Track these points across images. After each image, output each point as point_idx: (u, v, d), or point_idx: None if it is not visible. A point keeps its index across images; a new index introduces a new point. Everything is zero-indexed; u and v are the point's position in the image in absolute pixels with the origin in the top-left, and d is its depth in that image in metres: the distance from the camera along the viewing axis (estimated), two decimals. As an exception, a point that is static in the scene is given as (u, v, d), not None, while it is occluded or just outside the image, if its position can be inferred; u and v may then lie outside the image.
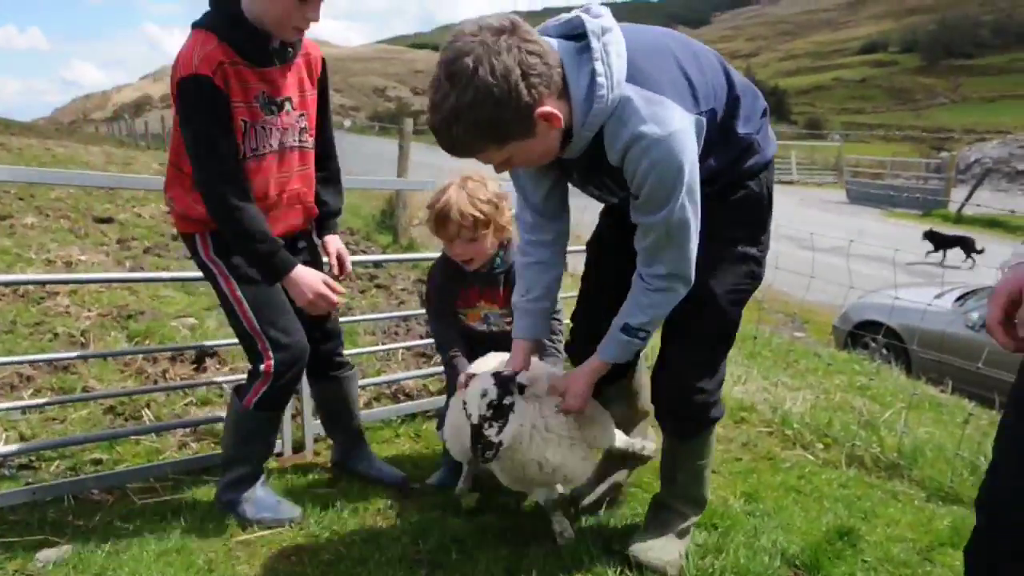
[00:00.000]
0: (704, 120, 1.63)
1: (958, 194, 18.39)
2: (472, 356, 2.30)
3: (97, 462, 2.52)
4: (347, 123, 58.53)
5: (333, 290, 2.09)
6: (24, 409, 2.79)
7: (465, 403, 1.82)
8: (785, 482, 2.60)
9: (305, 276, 2.05)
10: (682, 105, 1.57)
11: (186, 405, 3.12)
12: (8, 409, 2.55)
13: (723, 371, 1.96)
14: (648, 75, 1.57)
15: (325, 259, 2.37)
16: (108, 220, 8.17)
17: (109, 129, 45.52)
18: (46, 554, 1.92)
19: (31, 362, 3.11)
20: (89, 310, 4.57)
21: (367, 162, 20.57)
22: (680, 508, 2.06)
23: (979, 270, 10.08)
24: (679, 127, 1.54)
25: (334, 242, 2.39)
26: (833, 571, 1.94)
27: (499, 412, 1.79)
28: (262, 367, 2.07)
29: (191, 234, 2.09)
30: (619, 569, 1.94)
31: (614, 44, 1.55)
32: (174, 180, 2.08)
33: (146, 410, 2.94)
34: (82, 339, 4.04)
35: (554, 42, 1.58)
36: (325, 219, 2.36)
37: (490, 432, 1.77)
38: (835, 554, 2.01)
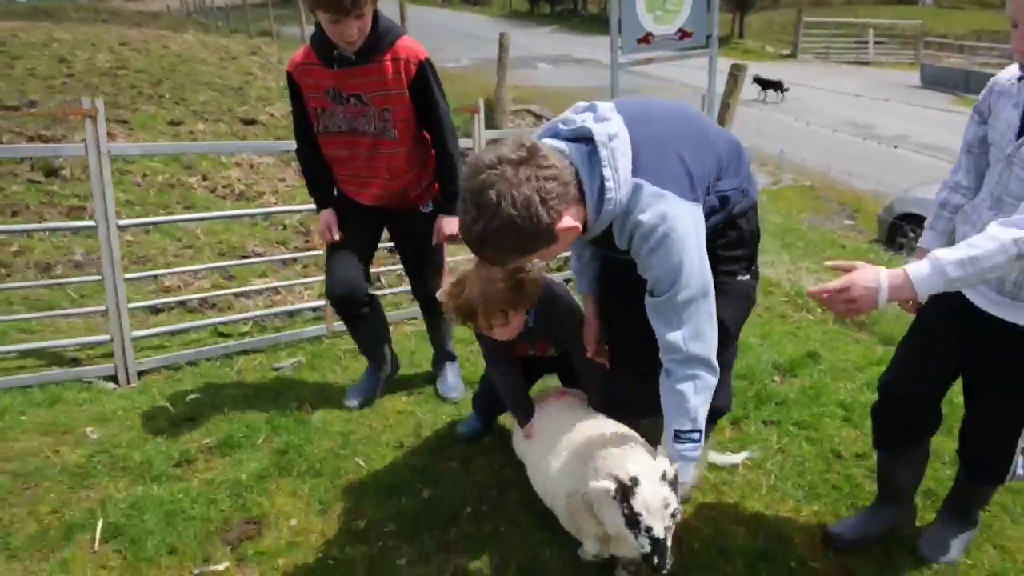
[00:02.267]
0: (701, 203, 1.78)
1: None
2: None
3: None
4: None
5: (332, 233, 2.76)
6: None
7: (640, 513, 1.68)
8: (787, 330, 4.10)
9: (322, 216, 2.77)
10: (681, 195, 1.69)
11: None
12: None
13: (730, 388, 2.32)
14: (650, 169, 1.69)
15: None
16: (253, 122, 9.74)
17: (182, 4, 45.79)
18: (284, 364, 3.56)
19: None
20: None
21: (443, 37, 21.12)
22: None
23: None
24: (676, 212, 1.67)
25: (444, 221, 2.78)
26: (800, 372, 3.49)
27: (675, 518, 1.73)
28: None
29: None
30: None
31: (620, 148, 1.67)
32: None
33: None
34: (301, 227, 5.75)
35: (565, 147, 1.68)
36: (444, 201, 2.78)
37: (669, 539, 1.70)
38: (803, 364, 3.55)
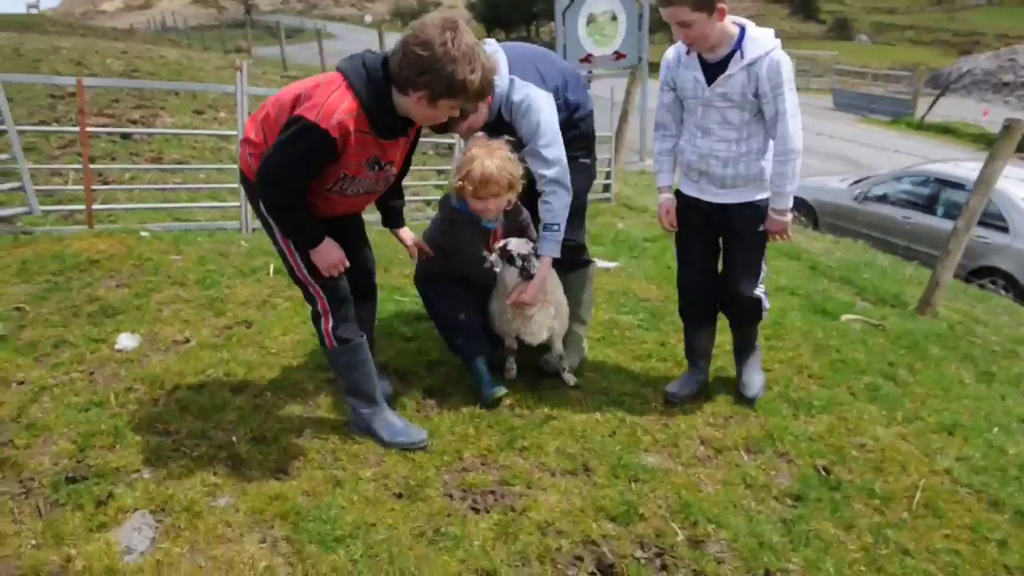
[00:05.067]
0: (552, 93, 2.74)
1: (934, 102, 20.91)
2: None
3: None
4: (367, 18, 56.67)
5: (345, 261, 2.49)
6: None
7: (510, 246, 2.84)
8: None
9: (329, 251, 2.42)
10: (537, 85, 2.69)
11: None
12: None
13: (583, 236, 3.20)
14: (519, 71, 2.69)
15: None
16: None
17: (148, 26, 46.39)
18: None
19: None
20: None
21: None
22: (577, 329, 3.26)
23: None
24: (535, 94, 2.67)
25: (406, 232, 2.89)
26: (658, 240, 5.68)
27: (533, 253, 2.82)
28: (319, 307, 2.52)
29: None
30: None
31: (501, 61, 2.66)
32: (260, 141, 2.35)
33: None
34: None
35: None
36: (395, 217, 2.84)
37: (534, 260, 2.79)
38: (658, 238, 5.75)
